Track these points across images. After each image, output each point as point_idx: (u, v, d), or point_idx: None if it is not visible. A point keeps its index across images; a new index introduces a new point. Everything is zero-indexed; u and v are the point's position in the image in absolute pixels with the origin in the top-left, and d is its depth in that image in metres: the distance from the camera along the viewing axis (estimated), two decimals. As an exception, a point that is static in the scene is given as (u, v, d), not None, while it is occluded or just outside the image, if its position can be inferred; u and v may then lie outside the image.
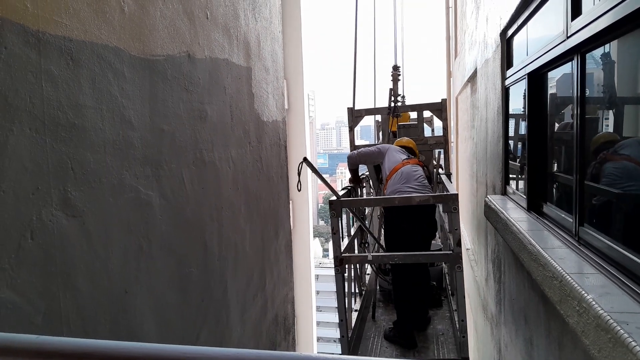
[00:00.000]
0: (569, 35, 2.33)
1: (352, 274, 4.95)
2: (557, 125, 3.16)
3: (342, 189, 4.80)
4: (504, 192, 4.15)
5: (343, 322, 3.88)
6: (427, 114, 7.32)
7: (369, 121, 9.05)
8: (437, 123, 9.55)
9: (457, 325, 3.99)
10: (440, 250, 5.32)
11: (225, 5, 3.20)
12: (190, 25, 2.71)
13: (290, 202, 10.02)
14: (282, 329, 4.49)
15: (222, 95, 3.11)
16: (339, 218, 3.88)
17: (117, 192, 2.04)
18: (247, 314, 3.49)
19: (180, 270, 2.54)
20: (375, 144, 7.38)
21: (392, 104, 6.80)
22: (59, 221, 1.72)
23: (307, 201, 10.62)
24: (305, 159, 3.66)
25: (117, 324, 2.04)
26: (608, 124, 2.25)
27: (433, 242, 5.25)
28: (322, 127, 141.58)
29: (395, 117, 6.70)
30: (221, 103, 3.08)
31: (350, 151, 6.75)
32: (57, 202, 1.71)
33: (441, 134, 6.97)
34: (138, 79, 2.20)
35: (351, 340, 4.16)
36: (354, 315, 4.76)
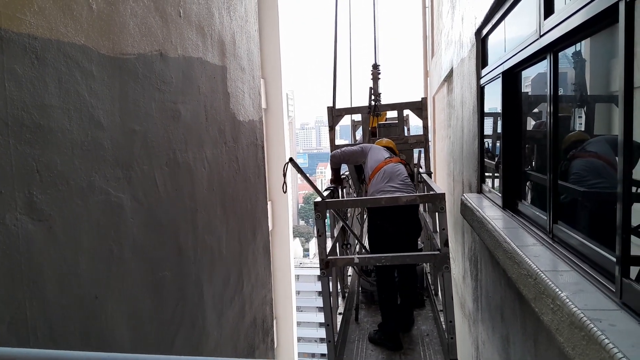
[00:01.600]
0: (542, 34, 2.35)
1: (335, 275, 4.90)
2: (531, 123, 3.20)
3: (325, 190, 4.73)
4: (480, 191, 4.19)
5: (329, 327, 3.79)
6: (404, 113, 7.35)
7: (348, 120, 9.07)
8: (412, 122, 9.62)
9: (444, 326, 3.94)
10: (421, 250, 5.31)
11: (198, 3, 3.14)
12: (163, 23, 2.65)
13: (270, 202, 9.99)
14: (260, 331, 4.44)
15: (196, 94, 3.05)
16: (324, 220, 3.82)
17: (86, 194, 1.98)
18: (225, 318, 3.44)
19: (154, 274, 2.49)
20: (356, 144, 7.40)
21: (373, 103, 6.79)
22: (24, 225, 1.66)
23: (287, 201, 10.61)
24: (291, 160, 3.60)
25: (88, 332, 1.98)
26: (581, 122, 2.28)
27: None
28: (301, 126, 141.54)
29: (376, 116, 6.70)
30: (195, 102, 3.03)
31: (331, 150, 6.74)
32: (22, 206, 1.65)
33: (418, 134, 7.00)
34: (107, 78, 2.14)
35: (337, 345, 4.10)
36: (339, 318, 4.71)
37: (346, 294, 5.54)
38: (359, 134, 8.42)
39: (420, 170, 6.27)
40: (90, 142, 2.01)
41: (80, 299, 1.93)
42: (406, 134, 7.66)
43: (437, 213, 3.69)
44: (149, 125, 2.47)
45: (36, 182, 1.72)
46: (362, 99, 7.18)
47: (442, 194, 3.57)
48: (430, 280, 5.69)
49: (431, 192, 4.04)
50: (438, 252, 3.57)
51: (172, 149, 2.71)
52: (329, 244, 4.57)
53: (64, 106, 1.87)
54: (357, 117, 8.16)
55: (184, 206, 2.86)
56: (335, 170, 5.29)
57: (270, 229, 8.53)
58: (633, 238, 1.51)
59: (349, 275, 6.23)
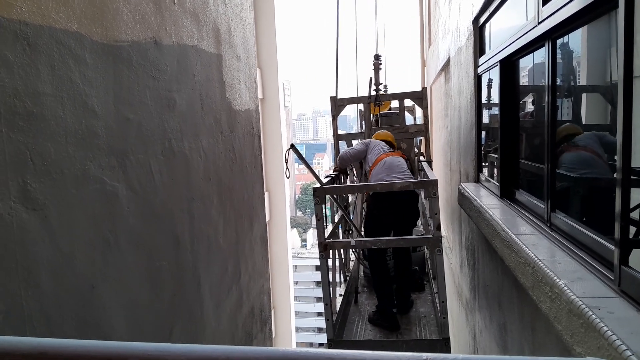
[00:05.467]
0: (540, 21, 2.32)
1: (337, 263, 5.09)
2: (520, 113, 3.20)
3: (326, 177, 4.88)
4: (477, 180, 4.18)
5: (328, 306, 3.99)
6: (408, 102, 7.46)
7: (347, 111, 9.12)
8: (419, 113, 9.64)
9: (438, 307, 4.10)
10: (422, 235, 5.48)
11: (193, -10, 3.10)
12: (157, 10, 2.62)
13: (267, 193, 9.96)
14: (258, 321, 4.45)
15: (192, 82, 3.02)
16: (323, 205, 3.99)
17: (81, 183, 1.96)
18: (222, 308, 3.44)
19: (151, 264, 2.47)
20: (360, 131, 7.53)
21: (374, 93, 6.88)
22: (19, 215, 1.64)
23: (284, 192, 10.59)
24: (292, 146, 3.74)
25: (84, 322, 1.97)
26: (580, 111, 2.26)
27: (415, 229, 5.38)
28: (298, 117, 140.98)
29: (377, 106, 6.80)
30: (190, 91, 2.99)
31: (334, 139, 6.92)
32: (16, 195, 1.63)
33: (419, 123, 7.10)
34: (101, 66, 2.11)
35: (336, 324, 4.30)
36: (339, 300, 4.89)
37: (347, 278, 5.70)
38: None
39: (422, 158, 6.39)
40: (84, 130, 1.99)
41: (76, 289, 1.92)
42: (412, 123, 7.77)
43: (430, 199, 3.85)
44: (143, 113, 2.44)
45: (30, 171, 1.70)
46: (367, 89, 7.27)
47: (435, 180, 3.70)
48: (430, 265, 5.81)
49: (424, 179, 4.18)
50: (431, 236, 3.71)
51: (167, 138, 2.69)
52: (330, 228, 4.76)
53: (57, 94, 1.84)
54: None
55: (180, 196, 2.84)
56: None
57: (267, 219, 8.51)
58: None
59: (352, 261, 6.39)
